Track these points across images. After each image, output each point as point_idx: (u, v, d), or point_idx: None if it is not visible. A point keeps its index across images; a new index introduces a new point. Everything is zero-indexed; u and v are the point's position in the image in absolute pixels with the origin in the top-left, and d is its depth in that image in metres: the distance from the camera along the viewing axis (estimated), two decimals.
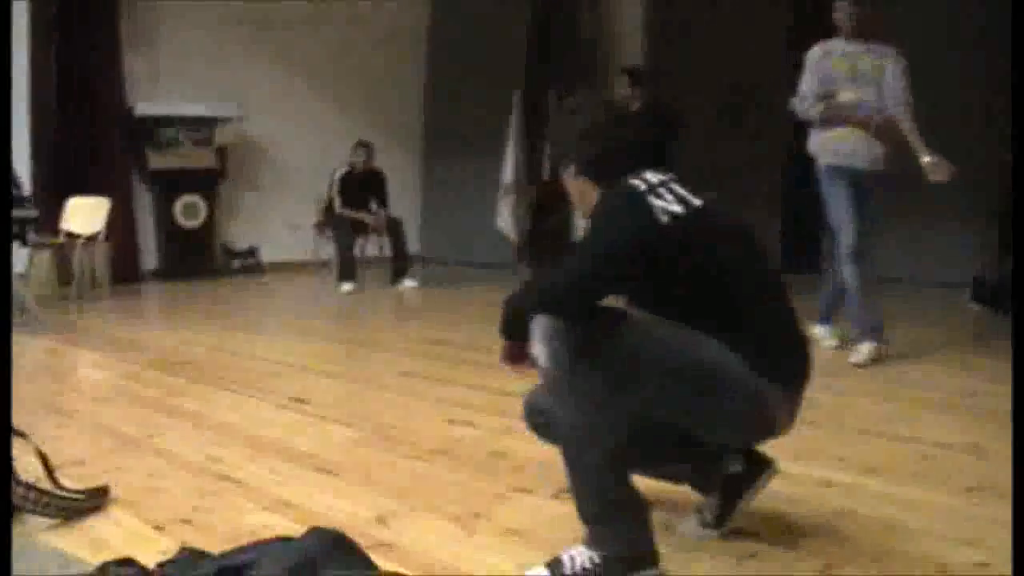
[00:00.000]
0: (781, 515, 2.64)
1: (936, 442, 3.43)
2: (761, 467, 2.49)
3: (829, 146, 5.01)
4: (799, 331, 2.36)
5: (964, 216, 7.78)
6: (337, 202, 8.50)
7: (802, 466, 2.99)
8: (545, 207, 9.93)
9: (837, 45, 4.99)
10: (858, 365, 4.79)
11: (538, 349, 2.20)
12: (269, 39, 9.53)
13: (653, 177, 2.28)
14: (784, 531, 2.55)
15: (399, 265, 8.56)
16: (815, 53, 5.03)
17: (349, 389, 4.45)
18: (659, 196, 2.23)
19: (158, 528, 2.56)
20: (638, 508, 2.24)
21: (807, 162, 5.20)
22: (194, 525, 2.59)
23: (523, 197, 9.78)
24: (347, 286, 8.13)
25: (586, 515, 2.22)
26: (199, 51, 9.03)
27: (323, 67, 10.02)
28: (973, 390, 4.32)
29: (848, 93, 4.94)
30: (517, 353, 2.33)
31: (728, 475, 2.48)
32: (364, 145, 8.60)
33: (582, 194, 2.46)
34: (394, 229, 8.56)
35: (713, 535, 2.49)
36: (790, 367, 2.30)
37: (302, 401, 4.06)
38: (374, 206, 8.63)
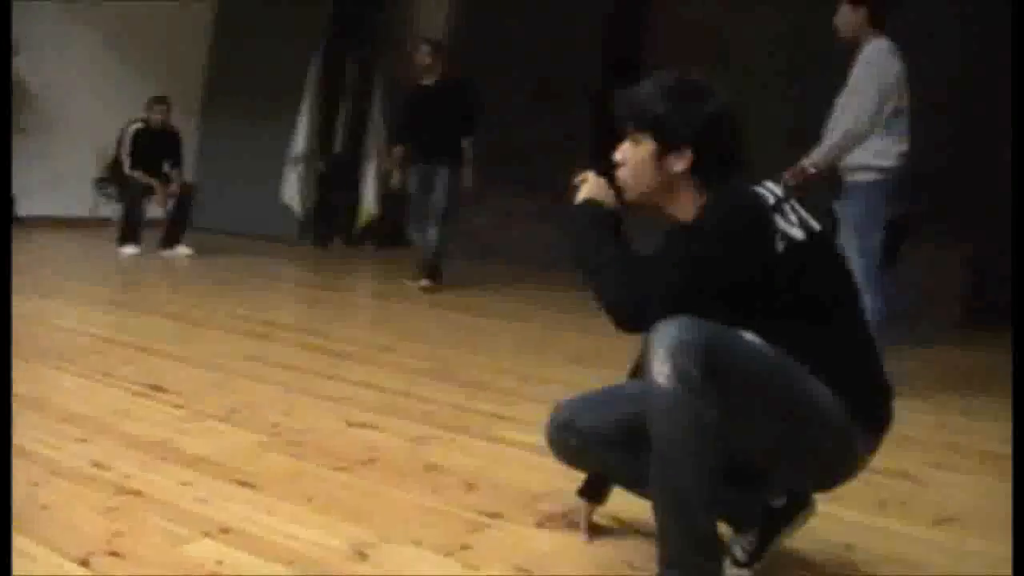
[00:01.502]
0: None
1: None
2: (802, 505, 2.26)
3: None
4: (886, 376, 2.15)
5: None
6: (127, 162, 7.59)
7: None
8: (335, 181, 9.44)
9: None
10: None
11: (657, 362, 1.87)
12: None
13: (776, 189, 2.05)
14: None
15: (174, 230, 7.77)
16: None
17: (206, 376, 3.81)
18: (783, 214, 2.00)
19: (83, 564, 1.97)
20: (718, 556, 1.98)
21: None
22: (124, 558, 2.02)
23: (312, 169, 9.23)
24: (129, 249, 7.39)
25: (669, 554, 1.93)
26: None
27: (107, 15, 8.97)
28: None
29: None
30: None
31: (772, 508, 2.25)
32: (161, 101, 7.76)
33: (666, 187, 2.14)
34: (185, 195, 7.75)
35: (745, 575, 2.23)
36: (880, 414, 2.11)
37: (159, 389, 3.44)
38: (167, 167, 7.76)
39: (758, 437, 2.03)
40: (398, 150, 7.08)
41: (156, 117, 7.71)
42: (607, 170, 2.23)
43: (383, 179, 9.45)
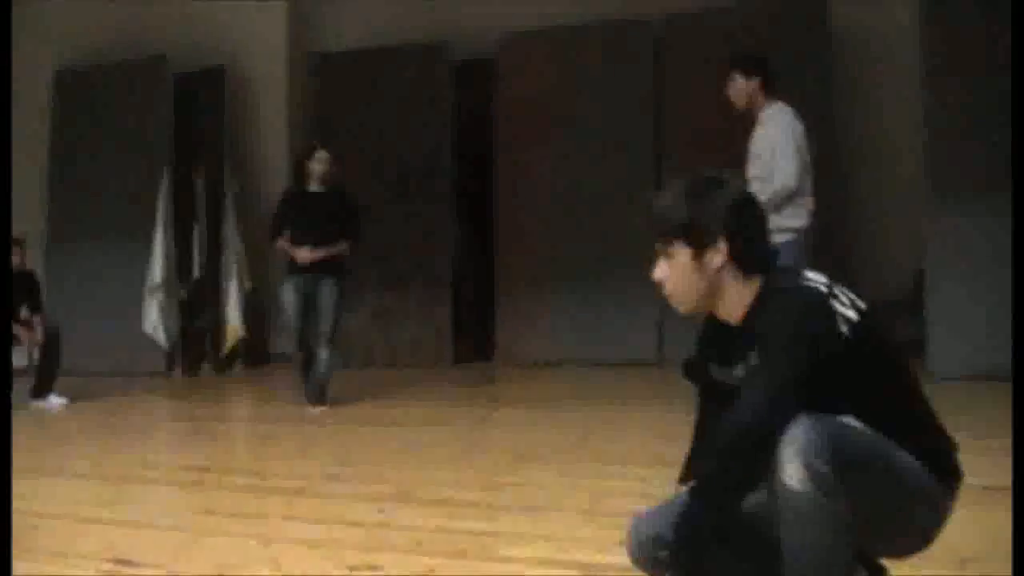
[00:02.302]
0: None
1: None
2: (879, 573, 2.26)
3: None
4: (946, 430, 2.18)
5: None
6: None
7: None
8: (197, 305, 9.09)
9: None
10: None
11: (789, 465, 1.88)
12: None
13: (820, 277, 2.09)
14: None
15: (46, 379, 7.23)
16: None
17: (168, 539, 3.50)
18: (838, 299, 2.05)
19: None
20: None
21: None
22: None
23: (173, 296, 8.86)
24: None
25: None
26: None
27: None
28: None
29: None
30: None
31: None
32: (15, 242, 7.22)
33: (712, 285, 2.16)
34: (52, 340, 7.22)
35: None
36: (958, 471, 2.14)
37: (128, 563, 3.15)
38: (25, 313, 7.24)
39: (871, 518, 2.00)
40: (284, 243, 6.58)
41: (11, 260, 7.15)
42: None
43: (247, 297, 9.19)
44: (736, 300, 2.15)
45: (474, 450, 5.10)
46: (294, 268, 6.54)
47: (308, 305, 6.51)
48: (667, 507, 2.26)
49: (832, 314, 2.02)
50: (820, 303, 2.03)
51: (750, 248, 2.13)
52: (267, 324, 9.77)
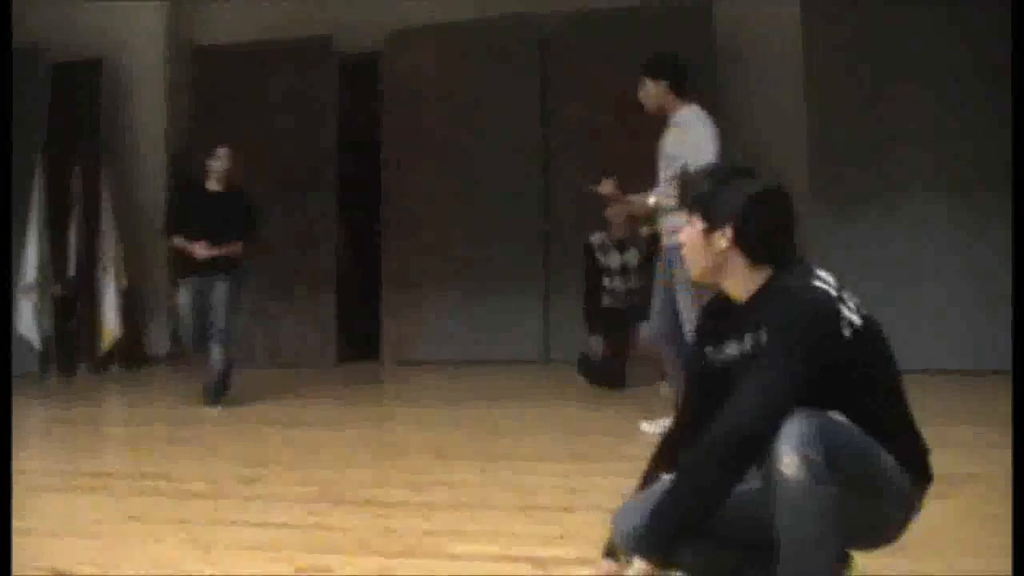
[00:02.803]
0: None
1: None
2: (847, 564, 2.39)
3: None
4: (922, 436, 2.32)
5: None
6: None
7: None
8: (73, 305, 8.77)
9: None
10: None
11: (785, 456, 1.99)
12: None
13: (831, 279, 2.19)
14: None
15: None
16: None
17: (95, 547, 3.40)
18: (844, 303, 2.15)
19: None
20: None
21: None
22: None
23: (48, 295, 8.54)
24: None
25: None
26: None
27: None
28: None
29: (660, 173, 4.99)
30: None
31: None
32: None
33: (719, 266, 2.29)
34: None
35: None
36: (929, 474, 2.28)
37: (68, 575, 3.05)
38: None
39: (852, 509, 2.09)
40: (180, 240, 6.45)
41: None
42: None
43: (124, 295, 8.91)
44: (741, 283, 2.29)
45: (388, 450, 5.11)
46: (189, 270, 6.45)
47: (204, 304, 6.41)
48: (649, 496, 2.34)
49: (838, 318, 2.12)
50: (828, 306, 2.13)
51: (758, 240, 2.24)
52: (143, 323, 9.50)
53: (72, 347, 8.84)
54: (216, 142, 6.76)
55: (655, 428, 5.12)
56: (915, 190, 7.33)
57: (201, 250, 6.32)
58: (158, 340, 9.56)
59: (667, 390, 5.76)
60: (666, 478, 2.31)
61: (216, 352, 6.41)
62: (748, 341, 2.24)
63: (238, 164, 6.67)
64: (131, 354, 9.17)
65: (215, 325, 6.40)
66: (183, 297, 6.49)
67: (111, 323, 8.85)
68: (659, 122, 5.15)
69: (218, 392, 6.44)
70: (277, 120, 9.30)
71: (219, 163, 6.50)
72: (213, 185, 6.55)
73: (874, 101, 7.36)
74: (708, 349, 2.38)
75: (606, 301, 7.11)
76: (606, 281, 7.08)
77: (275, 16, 9.58)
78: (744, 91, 8.24)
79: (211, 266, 6.36)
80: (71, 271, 8.76)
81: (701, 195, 2.30)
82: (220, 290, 6.39)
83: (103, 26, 9.43)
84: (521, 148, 8.91)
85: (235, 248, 6.43)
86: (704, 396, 2.36)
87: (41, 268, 8.45)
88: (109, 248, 8.92)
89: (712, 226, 2.26)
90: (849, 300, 2.17)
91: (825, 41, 7.53)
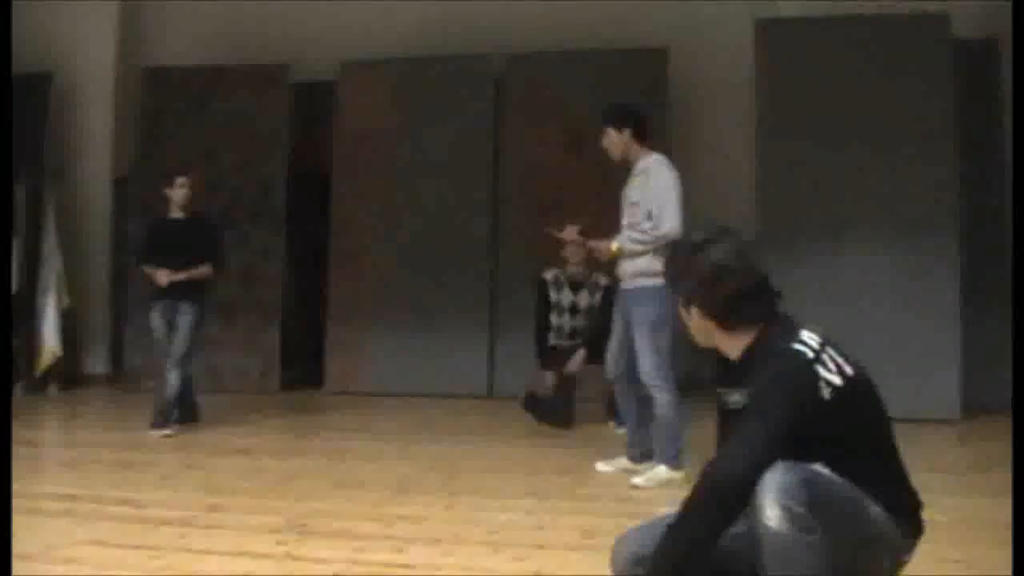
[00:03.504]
0: None
1: None
2: None
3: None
4: (914, 489, 2.43)
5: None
6: None
7: None
8: (11, 323, 8.63)
9: None
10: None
11: (767, 508, 2.11)
12: None
13: (813, 340, 2.30)
14: None
15: None
16: None
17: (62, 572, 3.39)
18: (824, 364, 2.25)
19: None
20: None
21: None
22: None
23: None
24: None
25: None
26: None
27: None
28: None
29: (623, 219, 5.10)
30: None
31: None
32: None
33: (706, 333, 2.45)
34: None
35: None
36: (920, 526, 2.39)
37: None
38: None
39: (836, 556, 2.20)
40: (148, 269, 6.69)
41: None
42: None
43: (63, 314, 8.80)
44: (728, 346, 2.43)
45: (348, 481, 5.12)
46: (158, 294, 6.63)
47: (170, 328, 6.63)
48: (649, 527, 2.45)
49: (815, 381, 2.23)
50: (803, 370, 2.25)
51: (724, 309, 2.37)
52: (82, 343, 9.38)
53: (9, 366, 8.66)
54: (165, 167, 7.10)
55: (611, 468, 5.23)
56: (861, 232, 7.56)
57: (163, 277, 6.53)
58: (96, 360, 9.43)
59: (619, 430, 5.87)
60: (666, 511, 2.42)
61: (171, 377, 6.50)
62: (743, 395, 2.37)
63: (198, 190, 6.84)
64: (68, 374, 9.03)
65: (174, 350, 6.55)
66: (154, 319, 6.69)
67: (51, 342, 8.73)
68: (611, 163, 5.34)
69: (168, 415, 6.47)
70: (227, 144, 9.27)
71: (179, 192, 6.69)
72: (175, 213, 6.74)
73: (822, 145, 7.60)
74: (720, 391, 2.51)
75: (551, 338, 7.18)
76: (554, 318, 7.16)
77: (229, 41, 9.62)
78: (697, 134, 8.46)
79: (178, 292, 6.54)
80: (13, 288, 8.61)
81: (672, 273, 2.47)
82: (184, 316, 6.58)
83: (52, 41, 9.35)
84: (471, 183, 9.03)
85: (201, 272, 6.62)
86: (722, 432, 2.49)
87: None
88: (51, 267, 8.81)
89: (687, 300, 2.41)
90: (832, 359, 2.28)
91: (775, 86, 7.77)
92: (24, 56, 9.02)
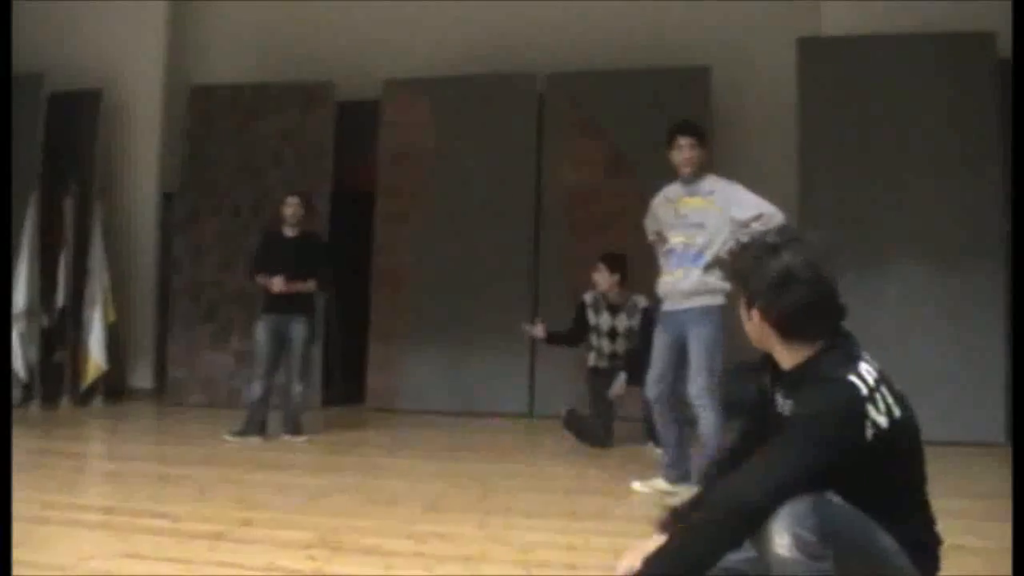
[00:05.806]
0: None
1: None
2: None
3: (658, 290, 5.18)
4: (934, 526, 2.38)
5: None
6: None
7: None
8: (59, 335, 8.76)
9: (670, 188, 5.18)
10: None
11: (776, 536, 2.08)
12: None
13: (870, 375, 2.21)
14: None
15: None
16: (656, 197, 5.25)
17: None
18: (875, 403, 2.17)
19: None
20: None
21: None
22: None
23: (35, 325, 8.51)
24: None
25: None
26: None
27: None
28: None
29: (676, 238, 5.05)
30: None
31: None
32: None
33: (763, 337, 2.38)
34: None
35: None
36: (937, 564, 2.34)
37: None
38: None
39: None
40: (261, 278, 7.07)
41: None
42: None
43: (109, 329, 8.91)
44: (783, 356, 2.36)
45: (381, 498, 5.11)
46: (268, 308, 7.01)
47: (280, 343, 6.97)
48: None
49: (862, 422, 2.16)
50: (853, 408, 2.17)
51: (786, 321, 2.30)
52: (127, 358, 9.49)
53: (56, 378, 8.80)
54: (297, 191, 7.48)
55: (647, 488, 5.19)
56: (905, 253, 7.47)
57: (278, 284, 6.90)
58: (141, 375, 9.54)
59: (658, 451, 5.83)
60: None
61: (296, 388, 7.00)
62: (789, 405, 2.33)
63: (311, 210, 7.36)
64: (112, 387, 9.14)
65: (293, 364, 6.98)
66: (260, 333, 7.03)
67: (97, 356, 8.83)
68: (652, 183, 5.36)
69: (298, 423, 7.02)
70: (272, 162, 9.38)
71: (290, 210, 7.09)
72: (289, 231, 7.14)
73: (864, 166, 7.53)
74: (764, 387, 2.47)
75: (591, 360, 7.17)
76: (593, 339, 7.14)
77: (275, 59, 9.73)
78: (739, 153, 8.41)
79: (291, 307, 6.92)
80: (60, 302, 8.74)
81: (740, 269, 2.40)
82: (297, 331, 6.98)
83: (102, 58, 9.52)
84: (512, 202, 9.03)
85: (307, 286, 7.00)
86: (759, 426, 2.45)
87: (30, 298, 8.44)
88: (98, 281, 8.93)
89: (749, 301, 2.35)
90: (884, 399, 2.20)
91: (818, 105, 7.72)
92: (75, 73, 9.20)
